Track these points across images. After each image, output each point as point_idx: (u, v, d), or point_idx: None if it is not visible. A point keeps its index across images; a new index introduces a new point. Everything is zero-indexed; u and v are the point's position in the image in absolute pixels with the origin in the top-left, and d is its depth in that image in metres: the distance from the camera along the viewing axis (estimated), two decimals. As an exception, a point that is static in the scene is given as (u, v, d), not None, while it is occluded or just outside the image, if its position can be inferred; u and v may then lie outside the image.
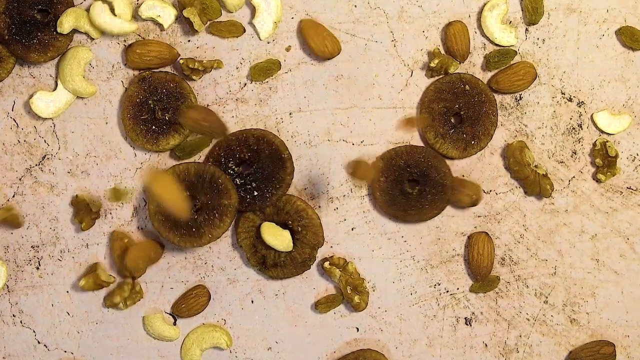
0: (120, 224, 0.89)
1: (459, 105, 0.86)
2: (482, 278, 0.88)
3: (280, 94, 0.88)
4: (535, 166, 0.87)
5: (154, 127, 0.85)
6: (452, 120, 0.86)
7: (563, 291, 0.89)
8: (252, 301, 0.89)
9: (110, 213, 0.88)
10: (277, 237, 0.85)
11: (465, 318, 0.89)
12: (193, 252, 0.88)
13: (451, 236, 0.89)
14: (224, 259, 0.89)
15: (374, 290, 0.89)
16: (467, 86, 0.86)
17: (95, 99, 0.88)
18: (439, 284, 0.89)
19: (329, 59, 0.86)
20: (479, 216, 0.89)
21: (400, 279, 0.89)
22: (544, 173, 0.87)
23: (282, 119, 0.88)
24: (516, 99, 0.88)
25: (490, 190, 0.89)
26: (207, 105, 0.87)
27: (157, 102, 0.85)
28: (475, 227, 0.89)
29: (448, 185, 0.85)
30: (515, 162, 0.87)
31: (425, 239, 0.89)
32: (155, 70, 0.85)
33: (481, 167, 0.89)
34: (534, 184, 0.88)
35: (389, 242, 0.89)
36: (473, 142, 0.86)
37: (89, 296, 0.89)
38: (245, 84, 0.87)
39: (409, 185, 0.85)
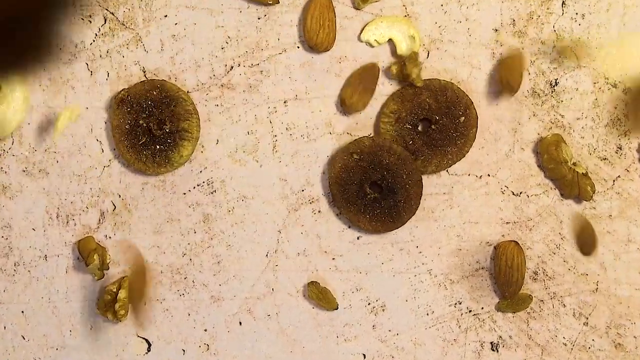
0: (85, 231, 0.85)
1: (430, 117, 0.84)
2: (511, 295, 0.85)
3: (273, 79, 0.84)
4: (574, 164, 0.83)
5: (159, 147, 0.84)
6: (419, 128, 0.84)
7: (606, 311, 0.86)
8: (240, 323, 0.86)
9: (73, 219, 0.85)
10: None
11: (492, 343, 0.86)
12: (170, 266, 0.85)
13: (474, 246, 0.86)
14: (206, 273, 0.85)
15: (383, 310, 0.86)
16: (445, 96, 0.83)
17: (56, 85, 0.84)
18: (460, 303, 0.86)
19: (312, 49, 0.83)
20: (507, 223, 0.86)
21: (414, 297, 0.86)
22: (584, 172, 0.83)
23: (275, 108, 0.85)
24: (551, 84, 0.85)
25: (521, 192, 0.86)
26: (188, 92, 0.84)
27: (148, 119, 0.83)
28: (503, 236, 0.86)
29: (404, 217, 0.83)
30: (550, 159, 0.83)
31: (444, 249, 0.86)
32: (130, 87, 0.83)
33: (510, 164, 0.85)
34: (572, 185, 0.83)
35: (401, 254, 0.86)
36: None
37: (47, 317, 0.86)
38: (232, 67, 0.84)
39: (370, 186, 0.84)
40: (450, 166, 0.84)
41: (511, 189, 0.85)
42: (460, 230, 0.85)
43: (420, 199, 0.83)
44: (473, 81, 0.84)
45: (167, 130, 0.83)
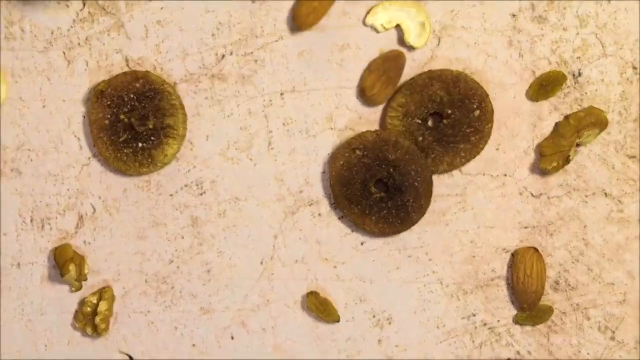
0: (62, 236, 0.85)
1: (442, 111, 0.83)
2: (529, 307, 0.85)
3: (268, 69, 0.84)
4: (578, 145, 0.83)
5: (141, 145, 0.83)
6: (429, 123, 0.84)
7: (635, 324, 0.86)
8: (232, 337, 0.86)
9: (49, 223, 0.84)
10: None
11: (509, 359, 0.86)
12: (156, 274, 0.85)
13: (490, 253, 0.86)
14: (195, 282, 0.85)
15: (389, 323, 0.86)
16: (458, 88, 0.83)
17: (30, 75, 0.84)
18: (474, 315, 0.86)
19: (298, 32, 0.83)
20: (525, 227, 0.86)
21: (424, 309, 0.86)
22: (571, 159, 0.83)
23: (271, 100, 0.84)
24: (574, 75, 0.84)
25: (541, 194, 0.85)
26: (175, 83, 0.84)
27: (130, 113, 0.83)
28: (522, 241, 0.86)
29: (413, 217, 0.83)
30: (562, 129, 0.83)
31: (457, 256, 0.86)
32: (110, 77, 0.84)
33: (528, 163, 0.85)
34: (555, 156, 0.83)
35: (410, 261, 0.85)
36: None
37: (21, 331, 0.86)
38: (224, 56, 0.84)
39: (375, 185, 0.84)
40: (463, 165, 0.84)
41: (530, 190, 0.85)
42: (474, 235, 0.85)
43: (431, 197, 0.83)
44: (488, 71, 0.83)
45: (151, 126, 0.82)
